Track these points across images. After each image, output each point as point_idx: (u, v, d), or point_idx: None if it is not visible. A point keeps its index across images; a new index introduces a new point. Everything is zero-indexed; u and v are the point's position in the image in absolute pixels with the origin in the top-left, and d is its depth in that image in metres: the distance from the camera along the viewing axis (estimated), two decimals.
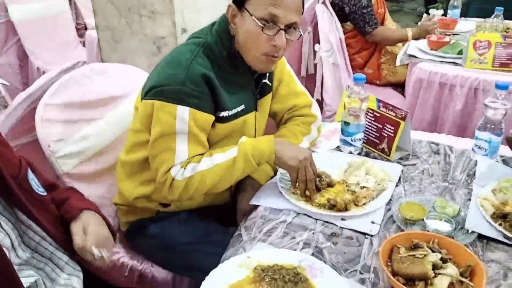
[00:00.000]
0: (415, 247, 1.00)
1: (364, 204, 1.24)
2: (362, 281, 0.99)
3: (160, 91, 1.22)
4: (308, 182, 1.25)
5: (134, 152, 1.36)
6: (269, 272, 0.97)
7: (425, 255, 0.97)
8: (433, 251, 0.99)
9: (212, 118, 1.26)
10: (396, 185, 1.34)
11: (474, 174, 1.39)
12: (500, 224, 1.14)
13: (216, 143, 1.32)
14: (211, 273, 0.95)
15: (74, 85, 1.43)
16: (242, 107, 1.34)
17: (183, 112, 1.21)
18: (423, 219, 1.16)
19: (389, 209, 1.23)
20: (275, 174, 1.37)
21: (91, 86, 1.47)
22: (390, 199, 1.27)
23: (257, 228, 1.15)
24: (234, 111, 1.32)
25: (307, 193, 1.26)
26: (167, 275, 1.36)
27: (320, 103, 2.56)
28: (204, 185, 1.22)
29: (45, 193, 1.00)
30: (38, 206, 0.97)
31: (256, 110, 1.41)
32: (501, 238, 1.11)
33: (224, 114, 1.29)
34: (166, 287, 1.35)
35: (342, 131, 1.52)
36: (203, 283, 0.92)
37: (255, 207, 1.25)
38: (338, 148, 1.55)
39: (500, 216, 1.17)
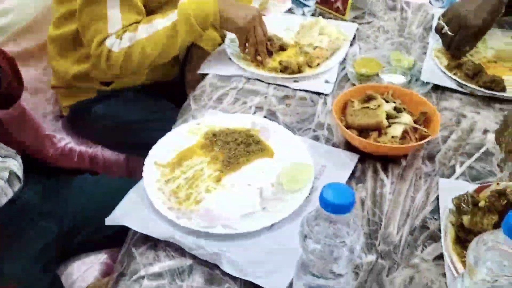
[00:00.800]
0: (369, 99, 0.97)
1: (317, 64, 1.18)
2: (316, 138, 0.96)
3: None
4: (259, 45, 1.16)
5: (62, 26, 1.20)
6: (221, 136, 0.93)
7: (379, 106, 0.94)
8: (387, 102, 0.96)
9: None
10: (351, 44, 1.28)
11: (431, 28, 1.33)
12: (455, 74, 1.12)
13: (155, 11, 1.18)
14: (158, 141, 0.90)
15: None
16: None
17: None
18: (377, 74, 1.12)
19: (344, 68, 1.18)
20: (224, 41, 1.26)
21: None
22: (345, 58, 1.21)
23: (207, 96, 1.08)
24: None
25: (258, 58, 1.18)
26: (119, 156, 1.30)
27: None
28: (145, 56, 1.11)
29: None
30: None
31: None
32: (455, 87, 1.10)
33: None
34: (120, 168, 1.31)
35: None
36: (150, 152, 0.87)
37: (204, 76, 1.17)
38: (290, 11, 1.45)
39: (455, 66, 1.14)
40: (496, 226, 0.72)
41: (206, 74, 1.17)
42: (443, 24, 1.16)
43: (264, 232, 0.74)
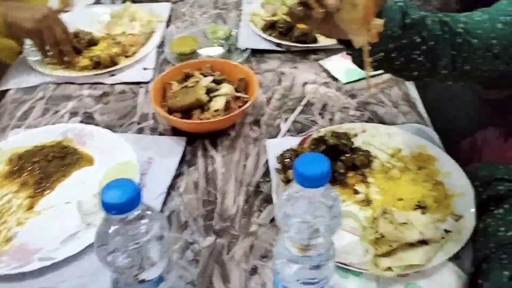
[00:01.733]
0: (187, 77, 0.92)
1: (134, 53, 1.10)
2: (141, 131, 0.89)
3: None
4: (61, 44, 1.04)
5: None
6: (28, 158, 0.81)
7: (197, 82, 0.90)
8: (205, 76, 0.92)
9: None
10: (168, 25, 1.22)
11: None
12: (270, 34, 1.13)
13: None
14: None
15: None
16: None
17: None
18: (195, 50, 1.08)
19: (162, 51, 1.12)
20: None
21: None
22: (162, 41, 1.15)
23: (9, 114, 0.94)
24: None
25: (66, 58, 1.06)
26: None
27: None
28: None
29: None
30: None
31: None
32: (273, 47, 1.11)
33: None
34: None
35: None
36: None
37: (5, 93, 1.02)
38: (99, 2, 1.33)
39: (270, 27, 1.15)
40: None
41: (8, 90, 1.02)
42: None
43: (87, 252, 0.65)
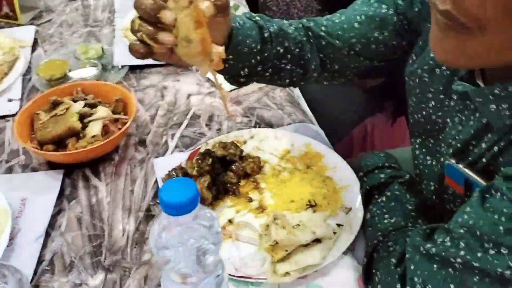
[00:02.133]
0: (55, 105, 0.84)
1: None
2: (11, 169, 0.80)
3: None
4: None
5: None
6: None
7: (67, 109, 0.83)
8: (76, 101, 0.85)
9: None
10: (34, 50, 1.12)
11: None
12: None
13: None
14: None
15: None
16: None
17: None
18: (66, 74, 1.00)
19: (30, 79, 1.02)
20: None
21: None
22: (29, 67, 1.05)
23: None
24: None
25: None
26: None
27: None
28: None
29: None
30: None
31: None
32: (151, 62, 1.05)
33: None
34: None
35: None
36: None
37: None
38: None
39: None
40: (210, 187, 0.71)
41: None
42: None
43: None
